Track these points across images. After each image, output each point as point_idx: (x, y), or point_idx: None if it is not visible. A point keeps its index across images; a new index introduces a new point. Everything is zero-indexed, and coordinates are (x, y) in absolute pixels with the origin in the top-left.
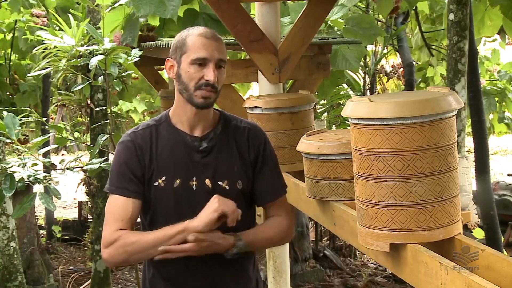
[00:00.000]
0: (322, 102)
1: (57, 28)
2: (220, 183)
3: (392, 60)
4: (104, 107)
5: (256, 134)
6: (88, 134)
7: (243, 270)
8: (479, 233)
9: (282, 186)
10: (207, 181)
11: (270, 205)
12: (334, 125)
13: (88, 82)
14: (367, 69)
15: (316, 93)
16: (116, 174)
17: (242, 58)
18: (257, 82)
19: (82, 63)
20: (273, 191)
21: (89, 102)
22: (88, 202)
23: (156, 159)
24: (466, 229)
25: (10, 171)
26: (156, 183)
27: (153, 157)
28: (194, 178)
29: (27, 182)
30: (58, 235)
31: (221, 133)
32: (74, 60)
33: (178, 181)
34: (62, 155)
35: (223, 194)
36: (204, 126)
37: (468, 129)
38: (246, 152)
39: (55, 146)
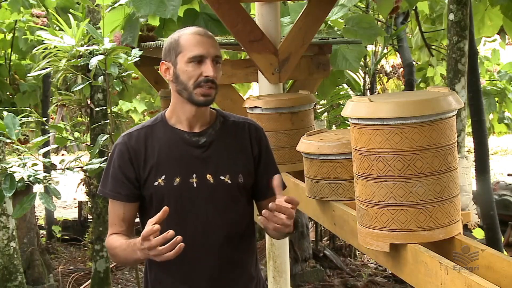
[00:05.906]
0: (322, 102)
1: (57, 28)
2: (222, 177)
3: (392, 60)
4: (104, 107)
5: (256, 129)
6: (88, 134)
7: (245, 269)
8: (479, 233)
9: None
10: (209, 176)
11: (269, 200)
12: (334, 125)
13: (88, 82)
14: (367, 69)
15: (316, 93)
16: (109, 177)
17: (242, 58)
18: (257, 82)
19: (82, 63)
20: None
21: (89, 102)
22: (88, 202)
23: (154, 159)
24: (466, 229)
25: (10, 171)
26: (156, 183)
27: (149, 158)
28: (194, 175)
29: (27, 182)
30: (58, 235)
31: (220, 129)
32: (74, 60)
33: (178, 179)
34: (62, 155)
35: (225, 188)
36: (202, 123)
37: (468, 129)
38: (248, 146)
39: (55, 146)
